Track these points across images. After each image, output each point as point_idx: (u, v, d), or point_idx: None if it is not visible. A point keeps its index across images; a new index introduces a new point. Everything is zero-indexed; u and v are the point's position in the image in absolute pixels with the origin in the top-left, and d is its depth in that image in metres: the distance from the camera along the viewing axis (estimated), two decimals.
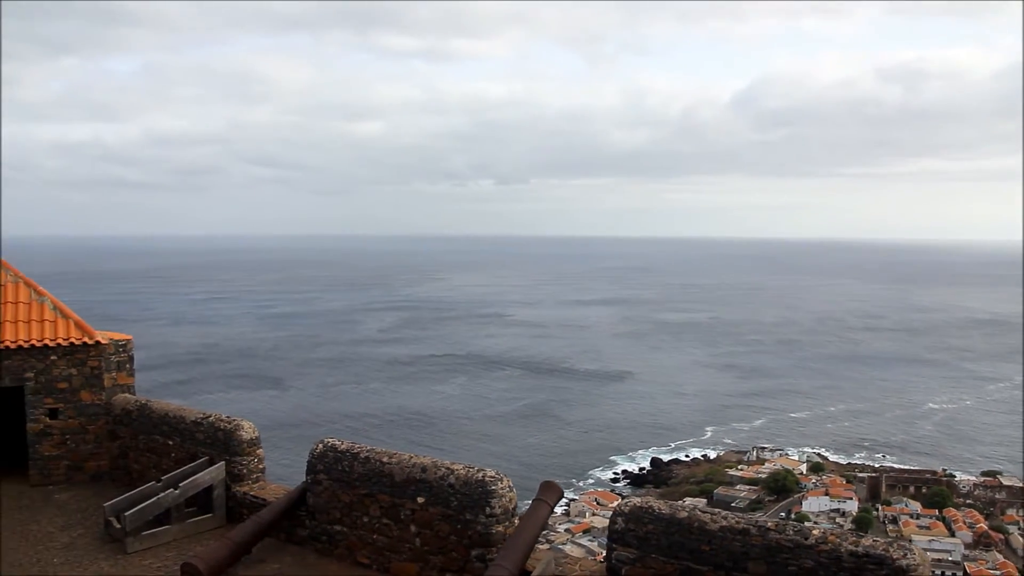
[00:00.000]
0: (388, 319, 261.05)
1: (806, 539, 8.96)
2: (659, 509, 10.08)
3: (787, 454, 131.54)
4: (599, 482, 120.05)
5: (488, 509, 11.26)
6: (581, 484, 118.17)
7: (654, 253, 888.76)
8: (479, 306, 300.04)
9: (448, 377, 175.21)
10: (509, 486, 11.51)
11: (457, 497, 11.54)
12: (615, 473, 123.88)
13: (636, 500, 10.44)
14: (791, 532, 9.12)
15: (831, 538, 8.87)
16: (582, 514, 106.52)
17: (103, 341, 17.81)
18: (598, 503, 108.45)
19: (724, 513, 9.86)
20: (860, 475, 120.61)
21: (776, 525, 9.33)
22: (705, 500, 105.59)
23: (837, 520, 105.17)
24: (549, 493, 11.77)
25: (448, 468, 11.87)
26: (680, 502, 11.78)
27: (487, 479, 11.39)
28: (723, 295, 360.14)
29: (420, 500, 11.95)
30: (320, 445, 13.51)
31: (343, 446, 13.22)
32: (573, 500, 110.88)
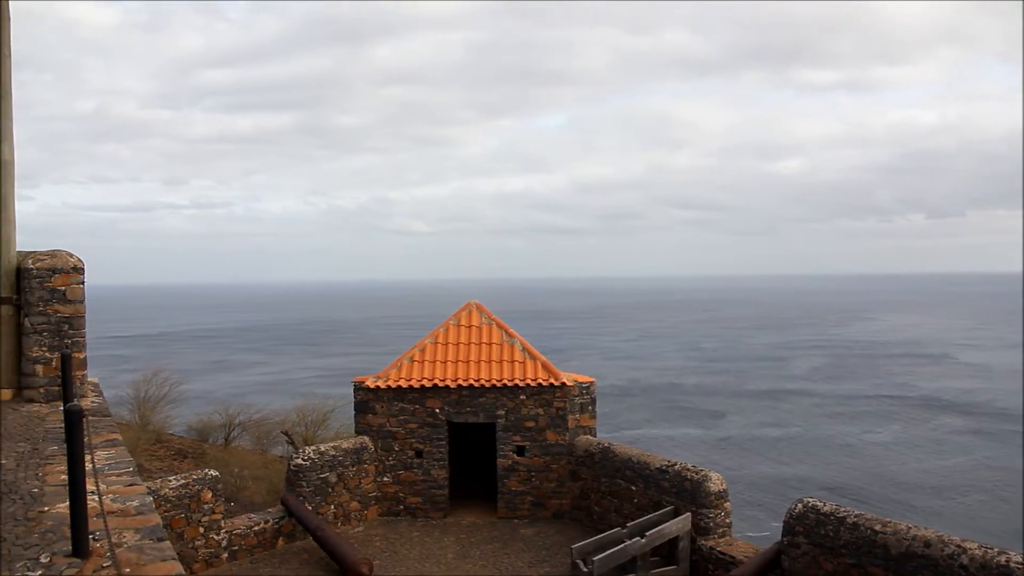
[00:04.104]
0: (816, 359, 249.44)
1: None
2: None
3: None
4: None
5: None
6: None
7: None
8: (913, 347, 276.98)
9: (881, 422, 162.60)
10: None
11: None
12: None
13: None
14: None
15: None
16: None
17: (568, 383, 18.25)
18: None
19: None
20: None
21: None
22: None
23: None
24: None
25: (959, 546, 10.30)
26: None
27: (1012, 565, 9.70)
28: None
29: None
30: (800, 505, 12.53)
31: (826, 508, 12.13)
32: None
